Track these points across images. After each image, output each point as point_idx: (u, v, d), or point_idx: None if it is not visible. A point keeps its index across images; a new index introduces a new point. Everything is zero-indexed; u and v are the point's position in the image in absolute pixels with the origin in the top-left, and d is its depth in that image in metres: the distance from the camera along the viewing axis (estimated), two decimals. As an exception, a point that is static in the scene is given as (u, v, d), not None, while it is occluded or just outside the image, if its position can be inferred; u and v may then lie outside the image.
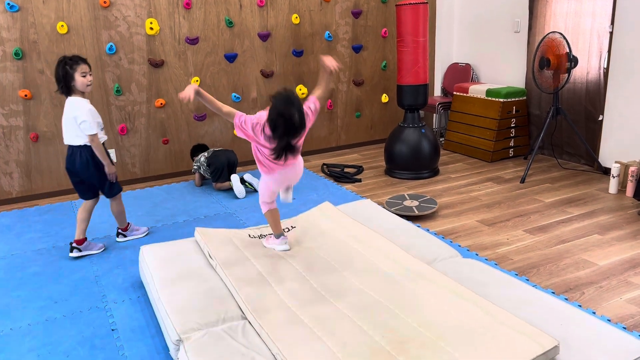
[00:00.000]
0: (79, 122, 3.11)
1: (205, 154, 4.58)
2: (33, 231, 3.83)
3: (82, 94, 3.18)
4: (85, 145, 3.19)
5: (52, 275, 3.13)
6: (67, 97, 3.17)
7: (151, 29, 4.66)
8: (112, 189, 3.39)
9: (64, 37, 4.40)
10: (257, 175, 4.79)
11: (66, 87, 3.12)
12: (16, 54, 4.24)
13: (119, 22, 4.55)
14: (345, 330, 2.08)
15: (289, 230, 3.10)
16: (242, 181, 4.41)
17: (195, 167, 4.65)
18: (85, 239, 3.39)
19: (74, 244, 3.35)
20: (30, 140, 4.47)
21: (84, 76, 3.12)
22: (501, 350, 1.87)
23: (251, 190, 4.46)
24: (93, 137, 3.15)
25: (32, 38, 4.29)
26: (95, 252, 3.40)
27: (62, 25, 4.35)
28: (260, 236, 3.07)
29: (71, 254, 3.33)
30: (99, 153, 3.19)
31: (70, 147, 3.23)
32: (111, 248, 3.48)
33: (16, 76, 4.30)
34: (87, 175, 3.26)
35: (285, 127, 2.39)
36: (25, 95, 4.35)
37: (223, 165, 4.45)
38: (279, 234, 2.89)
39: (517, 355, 1.83)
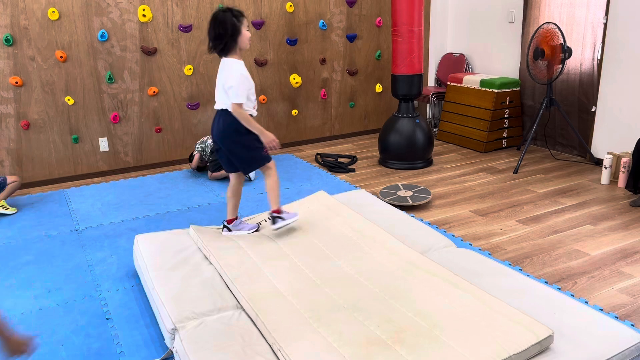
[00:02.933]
0: (227, 87, 2.78)
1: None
2: (25, 219, 3.80)
3: (239, 54, 2.83)
4: (225, 110, 2.84)
5: (45, 264, 3.11)
6: (223, 58, 2.83)
7: (144, 16, 4.61)
8: (250, 164, 2.95)
9: (55, 23, 4.34)
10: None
11: (232, 42, 2.75)
12: (6, 40, 4.18)
13: (110, 9, 4.49)
14: (341, 319, 2.08)
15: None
16: None
17: (199, 147, 4.58)
18: (236, 217, 3.11)
19: (225, 223, 3.11)
20: (21, 128, 4.42)
21: (247, 30, 2.80)
22: (496, 339, 1.89)
23: (246, 179, 4.44)
24: (237, 106, 2.77)
25: (22, 24, 4.23)
26: (245, 232, 3.05)
27: (53, 11, 4.29)
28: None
29: (222, 233, 3.08)
30: (246, 123, 2.80)
31: (217, 111, 2.92)
32: (104, 236, 3.47)
33: (6, 63, 4.24)
34: (223, 144, 2.92)
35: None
36: (16, 83, 4.30)
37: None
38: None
39: (512, 345, 1.85)
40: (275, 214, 2.91)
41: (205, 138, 4.62)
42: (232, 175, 3.09)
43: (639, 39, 4.13)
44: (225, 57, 2.82)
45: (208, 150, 4.52)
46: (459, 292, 2.20)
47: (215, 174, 4.47)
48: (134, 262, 2.91)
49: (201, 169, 4.72)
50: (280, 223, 2.90)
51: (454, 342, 1.89)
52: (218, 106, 2.88)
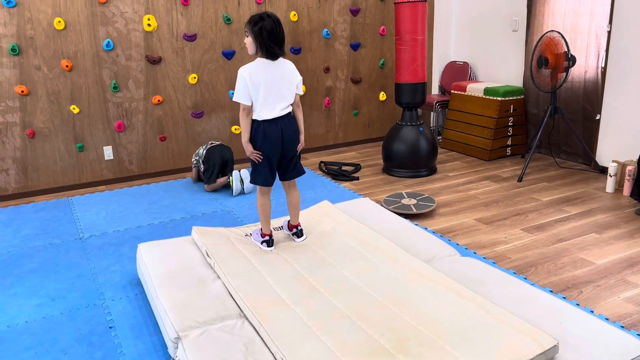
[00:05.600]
0: (297, 81, 2.80)
1: (204, 146, 4.57)
2: (29, 228, 3.81)
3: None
4: (290, 113, 2.80)
5: (49, 273, 3.12)
6: (273, 60, 2.70)
7: (149, 25, 4.64)
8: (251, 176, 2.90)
9: (61, 33, 4.37)
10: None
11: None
12: (13, 49, 4.22)
13: (116, 19, 4.53)
14: (344, 328, 2.08)
15: (280, 229, 3.11)
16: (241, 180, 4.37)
17: (194, 161, 4.62)
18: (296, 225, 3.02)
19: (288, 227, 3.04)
20: (26, 137, 4.45)
21: None
22: (501, 349, 1.87)
23: (240, 191, 4.39)
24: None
25: (28, 34, 4.26)
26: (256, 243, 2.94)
27: (59, 21, 4.32)
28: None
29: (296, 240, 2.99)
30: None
31: (278, 118, 2.76)
32: (108, 245, 3.47)
33: (12, 72, 4.28)
34: (294, 148, 2.86)
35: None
36: (22, 92, 4.33)
37: (215, 164, 4.39)
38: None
39: (517, 355, 1.83)
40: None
41: (199, 149, 4.62)
42: (284, 187, 2.97)
43: (643, 47, 4.13)
44: (278, 58, 2.70)
45: (200, 160, 4.52)
46: (463, 301, 2.19)
47: (212, 185, 4.42)
48: (137, 270, 2.91)
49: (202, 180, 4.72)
50: (254, 238, 2.96)
51: (457, 352, 1.88)
52: (282, 112, 2.72)
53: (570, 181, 4.44)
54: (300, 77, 2.81)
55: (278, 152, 2.78)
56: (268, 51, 2.65)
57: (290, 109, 2.79)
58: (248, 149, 2.76)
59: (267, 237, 2.88)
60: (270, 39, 2.62)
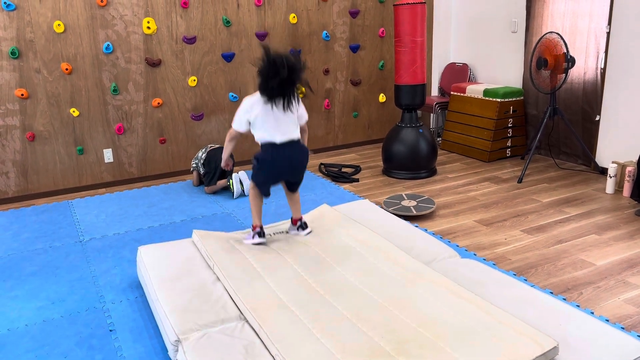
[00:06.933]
0: (302, 113, 3.01)
1: (203, 149, 4.57)
2: (30, 231, 3.81)
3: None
4: (299, 139, 2.93)
5: (49, 276, 3.12)
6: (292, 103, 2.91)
7: (148, 28, 4.65)
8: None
9: (61, 36, 4.38)
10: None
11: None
12: (12, 53, 4.22)
13: (116, 21, 4.53)
14: (345, 330, 2.08)
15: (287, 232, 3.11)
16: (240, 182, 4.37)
17: (194, 164, 4.63)
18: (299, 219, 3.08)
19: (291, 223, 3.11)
20: (26, 140, 4.45)
21: None
22: (501, 351, 1.87)
23: (239, 193, 4.40)
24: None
25: (28, 37, 4.27)
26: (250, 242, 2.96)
27: (58, 24, 4.33)
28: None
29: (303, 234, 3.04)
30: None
31: (287, 143, 2.89)
32: (108, 248, 3.47)
33: (12, 75, 4.28)
34: (302, 170, 3.03)
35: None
36: (22, 95, 4.33)
37: (217, 166, 4.38)
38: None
39: (517, 356, 1.83)
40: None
41: (198, 152, 4.63)
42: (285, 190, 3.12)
43: (642, 48, 4.14)
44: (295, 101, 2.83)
45: (200, 163, 4.52)
46: (463, 302, 2.19)
47: (213, 186, 4.43)
48: (138, 273, 2.91)
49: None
50: (246, 239, 2.99)
51: (458, 354, 1.88)
52: (290, 137, 2.85)
53: (570, 182, 4.45)
54: (306, 116, 3.00)
55: (284, 178, 2.94)
56: (272, 99, 2.75)
57: (298, 134, 2.89)
58: (225, 159, 3.06)
59: (258, 229, 2.92)
60: (278, 90, 2.73)
